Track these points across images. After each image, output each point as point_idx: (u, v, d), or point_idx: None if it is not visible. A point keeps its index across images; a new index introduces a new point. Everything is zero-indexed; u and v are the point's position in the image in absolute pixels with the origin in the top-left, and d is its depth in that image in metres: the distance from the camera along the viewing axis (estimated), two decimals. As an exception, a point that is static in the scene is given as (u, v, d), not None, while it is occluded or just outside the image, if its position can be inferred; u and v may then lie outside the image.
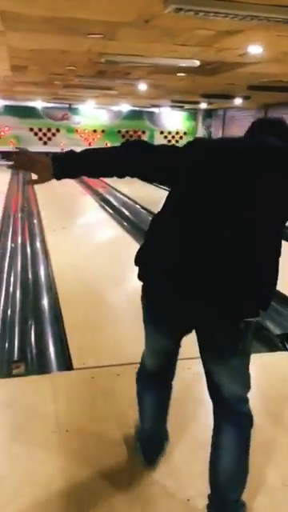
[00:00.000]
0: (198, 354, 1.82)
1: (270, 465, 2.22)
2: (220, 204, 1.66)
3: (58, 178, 1.82)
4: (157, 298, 1.78)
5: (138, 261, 1.83)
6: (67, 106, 18.26)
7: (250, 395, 1.83)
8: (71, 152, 1.83)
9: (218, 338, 1.73)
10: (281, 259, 1.69)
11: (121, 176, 1.85)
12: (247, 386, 1.84)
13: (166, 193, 1.82)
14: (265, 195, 1.64)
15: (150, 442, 2.20)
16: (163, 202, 1.83)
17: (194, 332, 1.81)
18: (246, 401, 1.84)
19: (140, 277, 1.83)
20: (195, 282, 1.66)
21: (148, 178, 1.93)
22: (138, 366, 2.13)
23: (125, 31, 5.27)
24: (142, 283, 1.85)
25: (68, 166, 1.83)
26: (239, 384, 1.82)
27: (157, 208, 1.87)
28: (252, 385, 1.82)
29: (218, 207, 1.66)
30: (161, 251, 1.74)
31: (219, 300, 1.65)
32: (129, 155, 1.82)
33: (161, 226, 1.79)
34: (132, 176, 1.84)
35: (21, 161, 1.87)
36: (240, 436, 1.83)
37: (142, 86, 10.85)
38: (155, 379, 2.06)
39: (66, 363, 3.15)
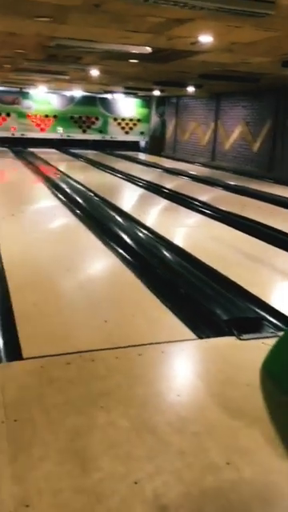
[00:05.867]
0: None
1: (214, 445, 2.29)
2: None
3: None
4: None
5: None
6: (18, 90, 17.79)
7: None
8: None
9: None
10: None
11: None
12: None
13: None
14: None
15: None
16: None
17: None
18: None
19: None
20: None
21: None
22: None
23: (75, 15, 5.19)
24: None
25: None
26: None
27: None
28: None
29: None
30: None
31: None
32: None
33: None
34: None
35: None
36: None
37: (94, 72, 10.72)
38: None
39: (15, 353, 3.12)
